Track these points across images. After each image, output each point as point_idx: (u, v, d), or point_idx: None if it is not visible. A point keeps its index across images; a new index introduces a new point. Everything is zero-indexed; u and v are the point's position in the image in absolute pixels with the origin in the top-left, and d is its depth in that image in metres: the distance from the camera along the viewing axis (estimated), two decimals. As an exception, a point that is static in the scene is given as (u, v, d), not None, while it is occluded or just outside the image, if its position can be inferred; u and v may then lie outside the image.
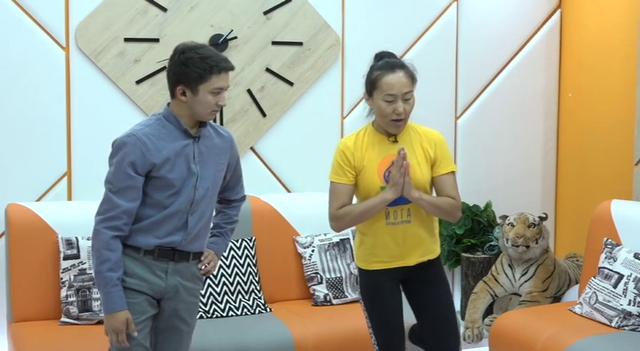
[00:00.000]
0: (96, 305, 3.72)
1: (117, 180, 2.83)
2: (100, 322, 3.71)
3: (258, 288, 4.05)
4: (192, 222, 2.93)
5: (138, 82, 4.28)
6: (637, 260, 3.79)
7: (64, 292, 3.74)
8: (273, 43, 4.51)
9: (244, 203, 3.25)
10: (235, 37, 4.43)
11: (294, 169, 4.66)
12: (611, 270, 3.85)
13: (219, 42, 4.38)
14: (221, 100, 2.89)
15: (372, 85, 3.12)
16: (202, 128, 2.95)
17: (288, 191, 4.65)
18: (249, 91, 4.48)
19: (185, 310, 3.02)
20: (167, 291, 2.96)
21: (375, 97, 3.11)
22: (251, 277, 4.05)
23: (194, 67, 2.82)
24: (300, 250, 4.23)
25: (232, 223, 3.19)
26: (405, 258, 3.20)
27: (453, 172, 3.21)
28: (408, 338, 3.50)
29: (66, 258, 3.77)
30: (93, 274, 2.97)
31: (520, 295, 4.57)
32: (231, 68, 2.92)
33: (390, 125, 3.11)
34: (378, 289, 3.24)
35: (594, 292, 3.87)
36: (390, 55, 3.19)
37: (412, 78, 3.12)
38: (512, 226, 4.58)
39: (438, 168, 3.19)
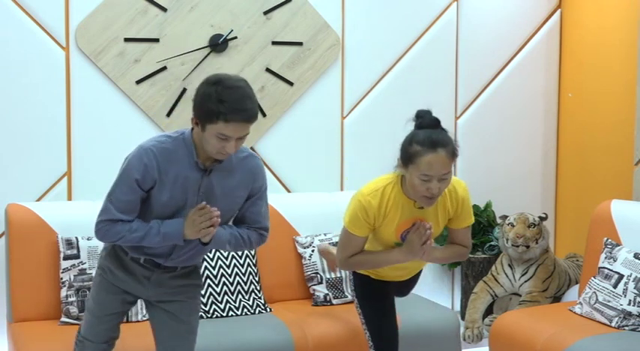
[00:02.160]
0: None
1: (120, 192, 2.81)
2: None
3: (258, 288, 4.05)
4: (181, 249, 2.92)
5: (138, 82, 4.28)
6: (637, 260, 3.79)
7: (64, 292, 3.74)
8: (273, 43, 4.51)
9: None
10: (235, 37, 4.43)
11: (294, 169, 4.66)
12: (611, 270, 3.85)
13: (219, 42, 4.38)
14: (228, 147, 2.72)
15: (409, 159, 2.90)
16: (217, 163, 2.83)
17: (288, 191, 4.66)
18: (249, 91, 4.48)
19: (177, 310, 3.02)
20: (149, 295, 3.01)
21: (411, 171, 2.90)
22: (251, 277, 4.05)
23: (208, 104, 2.68)
24: (300, 250, 4.23)
25: (241, 234, 3.02)
26: (402, 277, 3.32)
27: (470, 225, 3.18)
28: None
29: (66, 258, 3.77)
30: (146, 242, 2.88)
31: (520, 295, 4.57)
32: (246, 121, 2.71)
33: (422, 200, 2.96)
34: (374, 292, 3.27)
35: (594, 292, 3.87)
36: (434, 122, 2.95)
37: (453, 156, 2.90)
38: (512, 226, 4.58)
39: (456, 222, 3.14)
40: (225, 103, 2.66)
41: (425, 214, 3.05)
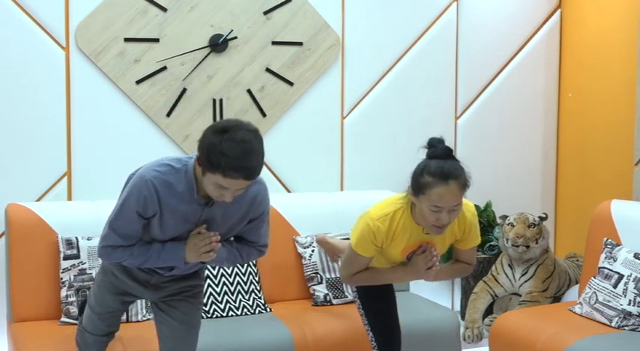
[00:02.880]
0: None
1: (121, 221, 2.81)
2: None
3: (258, 288, 4.05)
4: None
5: (138, 82, 4.28)
6: (637, 260, 3.79)
7: (64, 292, 3.74)
8: (273, 43, 4.51)
9: None
10: (235, 37, 4.43)
11: (294, 169, 4.66)
12: (611, 270, 3.85)
13: (219, 42, 4.38)
14: (225, 196, 2.69)
15: (419, 189, 2.89)
16: None
17: (288, 191, 4.66)
18: (249, 91, 4.48)
19: (179, 309, 3.07)
20: (151, 297, 3.07)
21: (421, 200, 2.90)
22: (251, 277, 4.05)
23: (210, 153, 2.61)
24: (300, 250, 4.23)
25: (240, 251, 3.04)
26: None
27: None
28: None
29: (66, 258, 3.77)
30: (148, 265, 2.94)
31: (520, 295, 4.57)
32: (244, 178, 2.64)
33: (431, 229, 2.96)
34: (376, 292, 3.27)
35: (594, 292, 3.87)
36: (446, 153, 2.92)
37: (465, 187, 2.89)
38: (512, 226, 4.58)
39: (462, 243, 3.15)
40: (227, 158, 2.58)
41: (432, 238, 3.06)
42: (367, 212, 3.07)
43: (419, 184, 2.89)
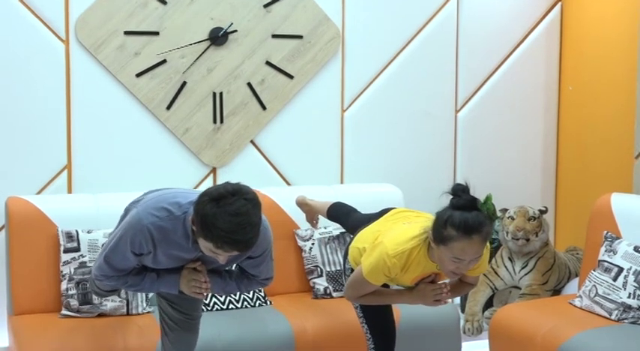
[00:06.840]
0: (96, 298, 3.72)
1: (115, 257, 2.83)
2: (100, 315, 3.72)
3: (258, 281, 4.06)
4: None
5: (138, 75, 4.27)
6: (637, 253, 3.79)
7: (64, 285, 3.75)
8: (273, 36, 4.51)
9: None
10: (235, 31, 4.42)
11: (294, 163, 4.66)
12: (611, 263, 3.85)
13: (220, 35, 4.37)
14: (219, 258, 2.67)
15: (441, 240, 2.82)
16: None
17: (288, 184, 4.66)
18: (249, 84, 4.48)
19: (181, 304, 3.12)
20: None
21: (442, 250, 2.84)
22: (251, 270, 4.05)
23: (204, 223, 2.54)
24: (300, 243, 4.23)
25: (239, 285, 3.04)
26: None
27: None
28: (327, 214, 3.76)
29: (66, 251, 3.77)
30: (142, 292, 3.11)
31: (520, 288, 4.57)
32: (238, 251, 2.60)
33: (449, 275, 2.95)
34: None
35: (594, 285, 3.88)
36: (470, 204, 2.82)
37: (487, 240, 2.84)
38: (513, 219, 4.58)
39: (472, 271, 3.10)
40: (220, 231, 2.52)
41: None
42: (383, 244, 3.00)
43: (441, 235, 2.82)
